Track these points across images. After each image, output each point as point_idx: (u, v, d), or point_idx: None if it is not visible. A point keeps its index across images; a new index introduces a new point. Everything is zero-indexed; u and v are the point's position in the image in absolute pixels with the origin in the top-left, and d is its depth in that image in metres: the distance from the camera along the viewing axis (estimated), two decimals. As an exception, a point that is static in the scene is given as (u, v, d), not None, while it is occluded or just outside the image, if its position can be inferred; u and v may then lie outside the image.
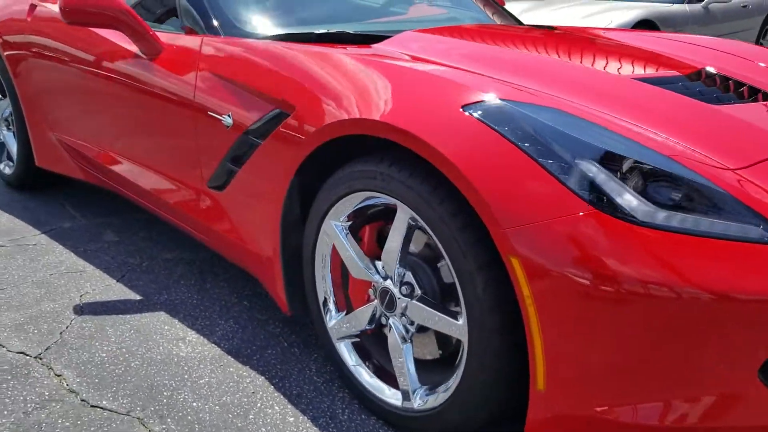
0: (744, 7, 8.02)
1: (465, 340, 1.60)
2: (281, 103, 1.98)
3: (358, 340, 1.96)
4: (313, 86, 1.92)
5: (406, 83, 1.79)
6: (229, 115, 2.14)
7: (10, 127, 3.52)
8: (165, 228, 3.11)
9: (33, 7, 3.16)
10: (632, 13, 6.64)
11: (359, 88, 1.82)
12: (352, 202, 1.83)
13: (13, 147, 3.51)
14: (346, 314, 1.97)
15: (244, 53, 2.23)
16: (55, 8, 2.96)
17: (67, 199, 3.50)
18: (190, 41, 2.42)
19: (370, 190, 1.75)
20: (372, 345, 1.95)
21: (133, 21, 2.42)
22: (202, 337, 2.26)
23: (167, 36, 2.52)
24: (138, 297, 2.52)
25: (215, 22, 2.43)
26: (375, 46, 2.19)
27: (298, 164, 1.88)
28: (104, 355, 2.14)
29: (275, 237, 2.02)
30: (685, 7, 7.20)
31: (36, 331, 2.27)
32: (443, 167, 1.54)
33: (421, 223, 1.63)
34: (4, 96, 3.50)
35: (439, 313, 1.69)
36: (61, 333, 2.26)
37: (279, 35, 2.40)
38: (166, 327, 2.31)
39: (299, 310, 2.11)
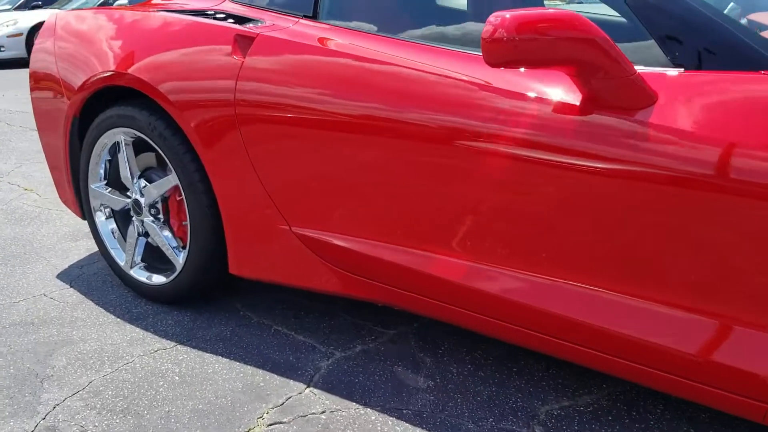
0: None
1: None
2: None
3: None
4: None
5: None
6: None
7: (160, 215, 2.52)
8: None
9: (244, 40, 2.15)
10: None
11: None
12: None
13: (170, 246, 2.49)
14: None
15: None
16: (308, 39, 2.08)
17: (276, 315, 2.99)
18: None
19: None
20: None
21: (611, 53, 1.49)
22: None
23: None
24: None
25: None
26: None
27: None
28: None
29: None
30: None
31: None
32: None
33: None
34: (163, 169, 2.51)
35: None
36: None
37: None
38: None
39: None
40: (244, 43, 2.14)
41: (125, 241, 2.69)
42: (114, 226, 2.72)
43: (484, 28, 1.50)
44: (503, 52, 1.49)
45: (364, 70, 1.92)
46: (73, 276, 2.86)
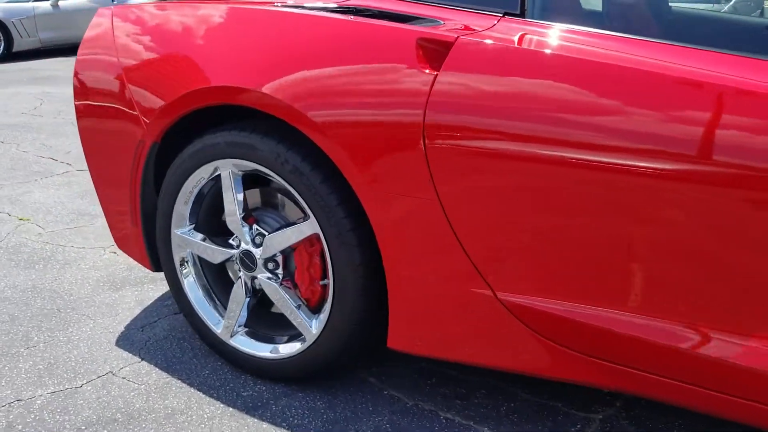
0: None
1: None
2: None
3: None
4: None
5: None
6: None
7: (279, 270, 1.93)
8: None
9: (435, 46, 1.59)
10: None
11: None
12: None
13: (296, 309, 1.91)
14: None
15: None
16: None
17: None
18: None
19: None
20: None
21: None
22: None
23: None
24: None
25: None
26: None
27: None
28: None
29: None
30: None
31: None
32: None
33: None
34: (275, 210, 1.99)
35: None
36: None
37: None
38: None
39: None
40: (434, 50, 1.60)
41: (215, 300, 2.11)
42: (203, 282, 2.13)
43: None
44: None
45: (637, 85, 1.42)
46: (138, 343, 2.25)
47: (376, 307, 1.82)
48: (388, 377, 2.04)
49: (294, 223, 1.86)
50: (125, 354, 2.18)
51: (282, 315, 2.04)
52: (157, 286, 2.65)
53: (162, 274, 2.69)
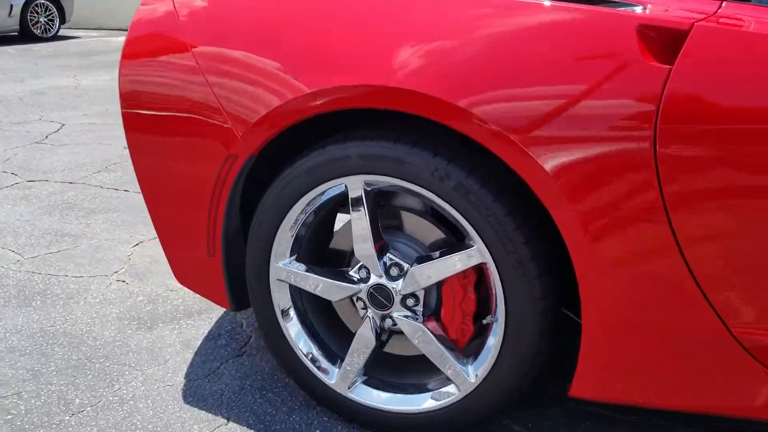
0: None
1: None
2: None
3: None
4: None
5: None
6: None
7: (418, 307, 1.60)
8: None
9: (664, 34, 1.29)
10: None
11: None
12: None
13: (447, 353, 1.57)
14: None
15: None
16: None
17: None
18: None
19: None
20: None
21: None
22: None
23: None
24: None
25: None
26: None
27: None
28: None
29: None
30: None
31: None
32: None
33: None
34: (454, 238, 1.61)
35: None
36: None
37: None
38: None
39: None
40: (662, 40, 1.31)
41: (320, 344, 1.75)
42: (306, 322, 1.75)
43: None
44: None
45: None
46: (212, 398, 1.84)
47: (548, 349, 1.53)
48: (534, 423, 1.75)
49: (457, 249, 1.52)
50: (203, 415, 1.78)
51: (403, 358, 1.71)
52: (194, 320, 2.24)
53: (199, 305, 2.29)
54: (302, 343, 1.73)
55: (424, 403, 1.63)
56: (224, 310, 2.31)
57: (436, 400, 1.62)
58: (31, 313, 2.29)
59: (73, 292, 2.43)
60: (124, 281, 2.52)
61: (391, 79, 1.40)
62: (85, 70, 7.52)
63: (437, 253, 1.57)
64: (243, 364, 2.00)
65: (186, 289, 2.41)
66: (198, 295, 2.36)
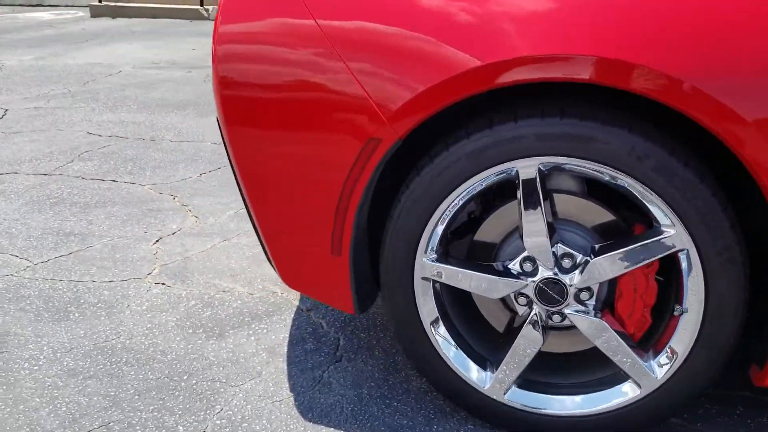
0: None
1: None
2: None
3: None
4: None
5: None
6: None
7: (590, 301, 1.44)
8: None
9: None
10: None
11: None
12: None
13: (630, 350, 1.43)
14: None
15: None
16: None
17: None
18: None
19: None
20: None
21: None
22: None
23: None
24: None
25: None
26: None
27: None
28: None
29: None
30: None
31: None
32: None
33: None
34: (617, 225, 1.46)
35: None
36: None
37: None
38: None
39: None
40: None
41: (466, 348, 1.58)
42: (451, 324, 1.58)
43: None
44: None
45: None
46: (333, 413, 1.64)
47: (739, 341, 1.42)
48: (691, 414, 1.64)
49: (647, 237, 1.38)
50: (333, 432, 1.58)
51: (554, 354, 1.58)
52: (266, 324, 2.02)
53: (262, 306, 2.07)
54: (451, 350, 1.55)
55: (598, 404, 1.50)
56: (293, 309, 2.09)
57: (609, 400, 1.49)
58: (73, 328, 2.00)
59: (111, 300, 2.15)
60: (163, 284, 2.25)
61: (623, 53, 1.23)
62: (2, 50, 6.88)
63: (618, 243, 1.42)
64: (346, 370, 1.81)
65: (241, 289, 2.19)
66: (258, 295, 2.15)
